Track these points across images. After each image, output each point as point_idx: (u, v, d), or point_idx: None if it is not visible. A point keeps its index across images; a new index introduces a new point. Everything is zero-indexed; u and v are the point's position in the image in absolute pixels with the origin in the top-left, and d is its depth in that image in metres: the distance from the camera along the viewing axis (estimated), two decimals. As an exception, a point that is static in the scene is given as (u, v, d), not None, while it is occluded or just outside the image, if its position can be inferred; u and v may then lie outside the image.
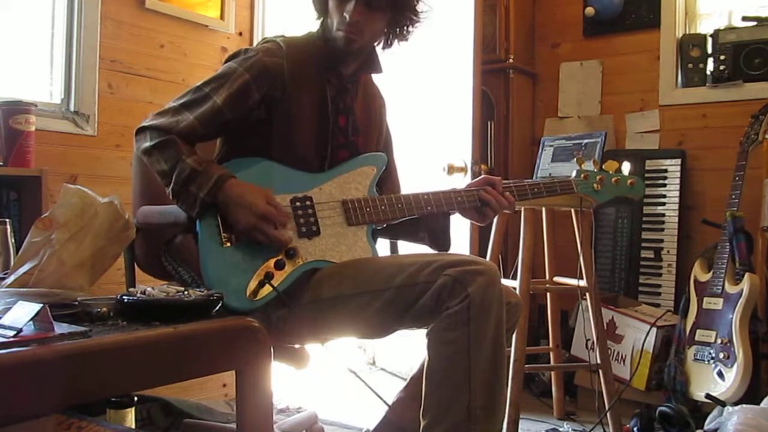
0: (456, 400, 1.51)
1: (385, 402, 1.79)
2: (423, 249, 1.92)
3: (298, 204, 1.72)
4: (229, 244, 1.63)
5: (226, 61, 1.79)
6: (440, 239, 1.90)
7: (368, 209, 1.75)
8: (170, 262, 1.66)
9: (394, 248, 2.08)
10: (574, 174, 1.96)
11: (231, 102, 1.69)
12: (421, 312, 1.57)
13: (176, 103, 1.71)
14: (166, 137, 1.64)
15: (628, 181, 1.98)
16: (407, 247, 2.03)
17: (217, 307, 1.33)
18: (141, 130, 1.69)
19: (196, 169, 1.61)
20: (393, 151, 2.03)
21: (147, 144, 1.66)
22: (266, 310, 1.63)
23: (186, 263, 1.66)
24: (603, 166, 1.99)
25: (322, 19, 1.82)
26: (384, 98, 2.00)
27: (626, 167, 2.01)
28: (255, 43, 2.00)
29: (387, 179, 1.96)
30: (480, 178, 1.87)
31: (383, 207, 1.76)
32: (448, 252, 1.89)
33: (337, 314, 1.65)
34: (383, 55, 1.88)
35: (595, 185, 1.95)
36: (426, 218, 1.84)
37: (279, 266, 1.65)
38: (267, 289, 1.61)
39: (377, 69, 1.89)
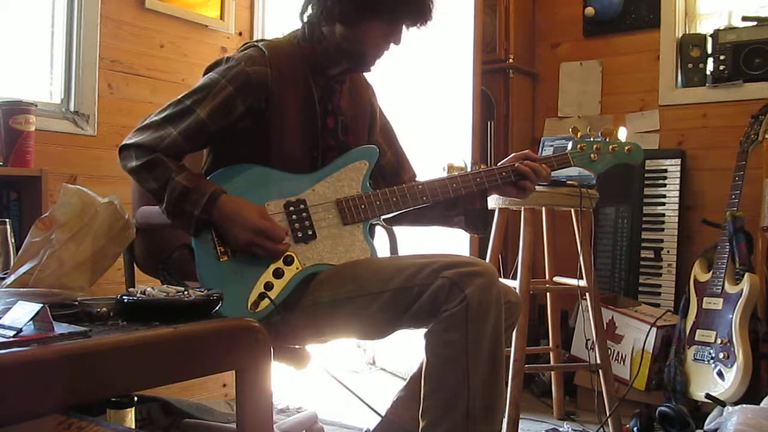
0: (455, 401, 1.51)
1: (374, 410, 1.79)
2: (424, 248, 1.91)
3: (291, 209, 1.70)
4: (225, 258, 1.63)
5: (207, 71, 1.76)
6: (476, 221, 1.86)
7: (363, 206, 1.74)
8: (168, 279, 1.66)
9: (393, 248, 2.08)
10: (570, 146, 1.90)
11: (215, 115, 1.66)
12: (419, 314, 1.56)
13: (158, 117, 1.68)
14: (152, 156, 1.62)
15: (626, 148, 1.91)
16: (407, 247, 2.02)
17: (217, 307, 1.33)
18: (124, 148, 1.66)
19: (187, 186, 1.60)
20: (396, 136, 1.99)
21: (133, 164, 1.63)
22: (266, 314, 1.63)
23: (185, 279, 1.65)
24: (600, 133, 1.93)
25: (314, 22, 1.74)
26: (372, 86, 1.96)
27: (623, 133, 1.95)
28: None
29: (399, 167, 1.95)
30: (513, 155, 1.83)
31: (378, 202, 1.75)
32: (448, 253, 1.88)
33: (336, 317, 1.65)
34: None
35: (592, 155, 1.89)
36: (463, 200, 1.82)
37: (278, 275, 1.64)
38: (267, 301, 1.61)
39: (365, 69, 1.82)
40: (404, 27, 1.72)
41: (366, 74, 1.92)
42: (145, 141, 1.64)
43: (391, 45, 1.74)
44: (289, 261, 1.66)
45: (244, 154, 1.73)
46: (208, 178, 1.71)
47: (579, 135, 1.92)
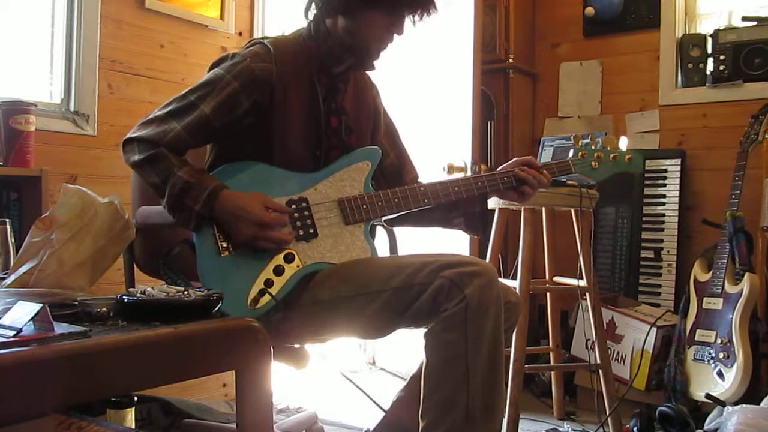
0: (454, 401, 1.51)
1: (379, 406, 1.79)
2: (423, 249, 1.92)
3: (293, 207, 1.71)
4: (227, 254, 1.63)
5: (212, 67, 1.76)
6: (476, 223, 1.88)
7: (365, 207, 1.75)
8: (169, 274, 1.66)
9: (393, 248, 2.08)
10: (571, 153, 1.92)
11: (219, 111, 1.66)
12: (419, 313, 1.57)
13: (162, 111, 1.68)
14: (155, 150, 1.62)
15: (627, 157, 1.95)
16: (407, 247, 2.02)
17: (217, 307, 1.33)
18: (128, 142, 1.66)
19: (189, 181, 1.60)
20: (400, 137, 2.00)
21: (136, 157, 1.63)
22: (266, 312, 1.63)
23: (185, 275, 1.65)
24: (601, 141, 1.95)
25: (318, 18, 1.76)
26: (377, 86, 1.97)
27: (624, 142, 1.97)
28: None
29: (402, 167, 1.96)
30: (513, 160, 1.85)
31: (380, 203, 1.76)
32: (448, 252, 1.88)
33: (336, 315, 1.65)
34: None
35: (593, 163, 1.92)
36: (463, 203, 1.83)
37: (278, 272, 1.64)
38: (267, 297, 1.61)
39: (369, 66, 1.83)
40: (406, 17, 1.72)
41: (369, 73, 1.93)
42: (149, 135, 1.64)
43: (394, 36, 1.75)
44: (289, 259, 1.66)
45: (247, 150, 1.73)
46: (210, 174, 1.71)
47: (580, 143, 1.94)
